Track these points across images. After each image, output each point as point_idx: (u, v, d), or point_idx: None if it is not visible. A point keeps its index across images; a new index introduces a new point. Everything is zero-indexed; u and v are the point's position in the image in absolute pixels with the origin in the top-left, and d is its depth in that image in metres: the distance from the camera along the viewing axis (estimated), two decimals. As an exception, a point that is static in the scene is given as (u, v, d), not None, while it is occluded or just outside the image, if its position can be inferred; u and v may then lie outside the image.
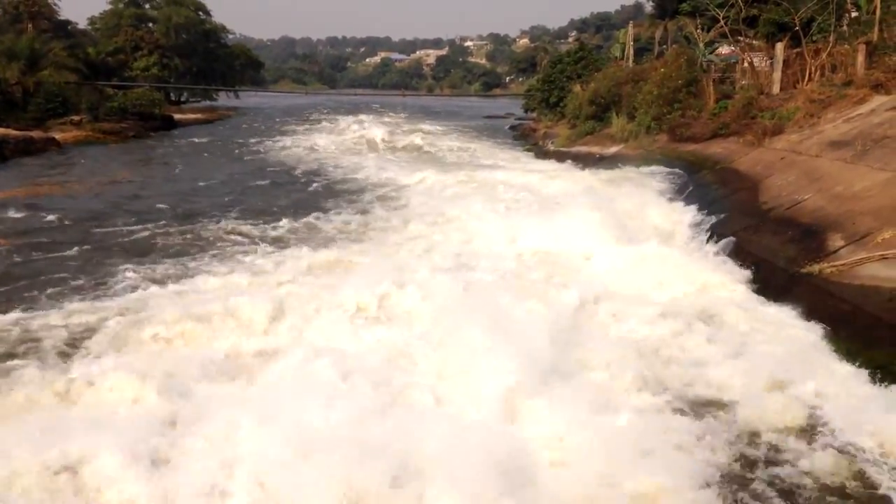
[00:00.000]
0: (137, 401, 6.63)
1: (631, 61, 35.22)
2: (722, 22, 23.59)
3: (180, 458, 5.57)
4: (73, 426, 5.87)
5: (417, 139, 35.36)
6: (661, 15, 36.97)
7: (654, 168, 19.31)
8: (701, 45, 24.93)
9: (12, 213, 15.80)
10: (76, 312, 9.04)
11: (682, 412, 6.86)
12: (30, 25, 47.75)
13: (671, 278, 10.58)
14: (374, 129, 38.96)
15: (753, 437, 6.47)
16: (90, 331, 8.46)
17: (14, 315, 8.92)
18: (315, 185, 21.83)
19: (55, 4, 52.23)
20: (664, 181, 17.87)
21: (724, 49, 28.48)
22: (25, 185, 20.46)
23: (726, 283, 10.47)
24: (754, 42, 24.49)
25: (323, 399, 6.31)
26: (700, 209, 14.26)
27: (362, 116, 51.14)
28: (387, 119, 48.48)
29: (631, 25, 38.52)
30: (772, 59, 21.76)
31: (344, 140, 35.98)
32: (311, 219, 15.77)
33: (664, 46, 35.29)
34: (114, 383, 6.82)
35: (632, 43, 36.50)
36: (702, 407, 7.03)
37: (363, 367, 7.20)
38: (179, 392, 6.71)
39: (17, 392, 6.75)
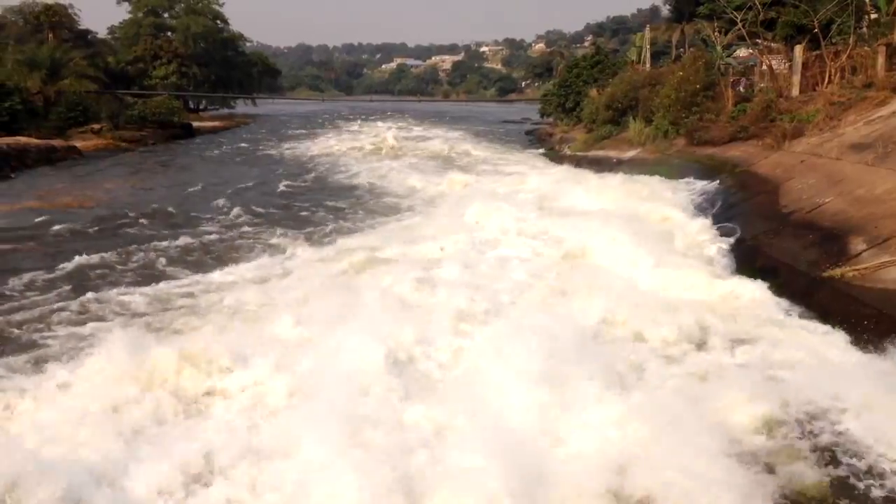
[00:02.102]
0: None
1: (648, 65, 35.14)
2: (740, 24, 23.48)
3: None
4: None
5: (434, 144, 35.44)
6: (677, 18, 36.85)
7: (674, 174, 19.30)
8: (718, 48, 24.83)
9: (41, 220, 16.08)
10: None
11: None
12: (51, 35, 48.37)
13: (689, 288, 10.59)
14: (391, 134, 39.09)
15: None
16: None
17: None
18: (338, 190, 22.05)
19: (76, 14, 52.94)
20: (682, 186, 17.84)
21: (742, 52, 28.34)
22: (50, 193, 20.73)
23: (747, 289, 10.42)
24: (773, 44, 24.35)
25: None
26: (718, 212, 14.21)
27: (379, 122, 51.37)
28: (403, 125, 48.63)
29: (647, 29, 38.44)
30: (790, 61, 21.63)
31: (361, 145, 36.11)
32: (347, 224, 16.13)
33: (681, 50, 35.19)
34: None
35: (648, 46, 36.43)
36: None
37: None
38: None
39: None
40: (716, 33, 25.90)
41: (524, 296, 10.15)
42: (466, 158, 30.91)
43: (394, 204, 19.11)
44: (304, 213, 17.87)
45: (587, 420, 6.32)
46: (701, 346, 8.53)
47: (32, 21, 50.96)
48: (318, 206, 18.64)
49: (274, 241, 14.29)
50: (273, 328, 8.40)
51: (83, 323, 9.03)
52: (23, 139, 28.73)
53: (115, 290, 10.39)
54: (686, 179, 18.27)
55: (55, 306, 9.69)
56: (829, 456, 5.98)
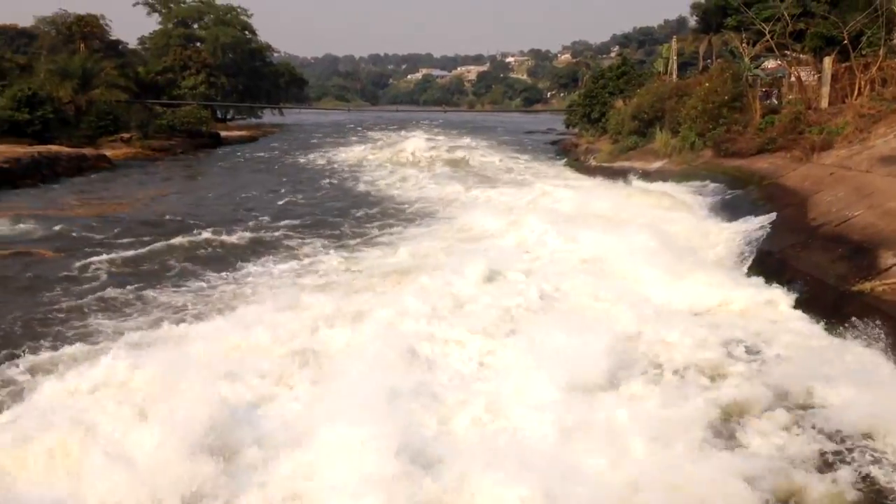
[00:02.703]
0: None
1: (674, 76, 34.97)
2: (768, 36, 23.30)
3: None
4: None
5: (459, 154, 35.49)
6: (705, 29, 36.65)
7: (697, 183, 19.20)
8: (746, 59, 24.63)
9: (79, 227, 16.39)
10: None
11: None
12: (82, 45, 49.10)
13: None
14: (417, 144, 39.20)
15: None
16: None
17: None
18: (364, 200, 22.18)
19: (107, 25, 53.64)
20: (707, 196, 17.74)
21: (771, 63, 28.10)
22: (83, 202, 21.04)
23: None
24: (801, 56, 24.13)
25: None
26: (745, 225, 14.09)
27: (404, 132, 51.55)
28: (428, 134, 48.74)
29: (674, 40, 38.27)
30: (819, 73, 21.42)
31: (385, 155, 36.24)
32: (373, 230, 16.38)
33: (708, 61, 34.97)
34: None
35: (675, 57, 36.26)
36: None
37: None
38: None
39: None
40: (743, 45, 25.71)
41: (545, 309, 10.18)
42: (490, 169, 30.93)
43: (408, 211, 19.28)
44: (333, 221, 18.12)
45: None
46: (721, 361, 8.49)
47: (65, 31, 51.76)
48: (347, 216, 18.81)
49: (301, 245, 14.47)
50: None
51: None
52: (54, 148, 29.19)
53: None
54: (712, 191, 18.20)
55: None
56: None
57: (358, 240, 15.60)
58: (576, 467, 5.85)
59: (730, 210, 15.87)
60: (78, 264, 12.94)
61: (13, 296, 11.10)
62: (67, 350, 8.48)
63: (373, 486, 5.33)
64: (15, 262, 13.19)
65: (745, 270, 11.95)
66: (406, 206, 20.55)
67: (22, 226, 16.61)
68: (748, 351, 8.72)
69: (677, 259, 12.04)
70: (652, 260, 11.84)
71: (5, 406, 7.01)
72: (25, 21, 71.57)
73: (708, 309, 10.42)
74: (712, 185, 18.78)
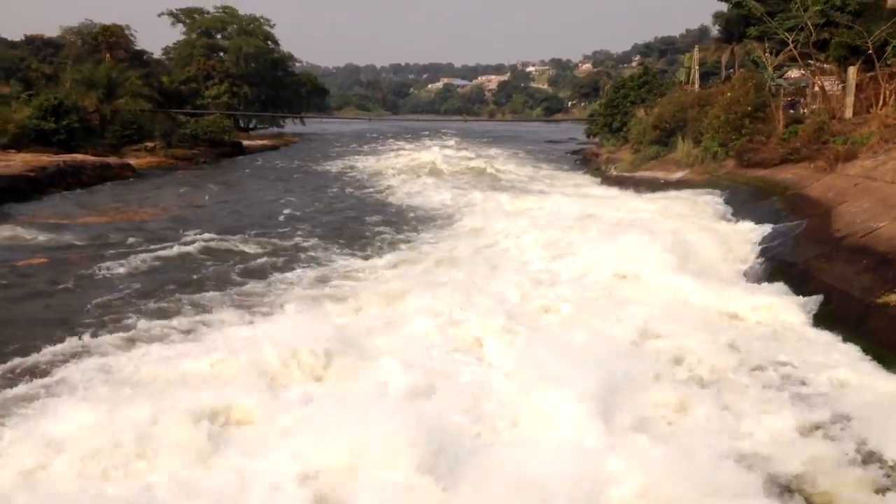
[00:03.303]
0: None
1: (696, 85, 34.82)
2: (791, 45, 23.15)
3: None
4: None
5: (480, 163, 35.53)
6: (727, 39, 36.47)
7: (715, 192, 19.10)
8: (769, 69, 24.48)
9: (109, 234, 16.65)
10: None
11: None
12: (108, 55, 49.72)
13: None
14: (438, 153, 39.29)
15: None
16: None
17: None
18: (386, 208, 22.32)
19: (132, 35, 54.30)
20: (729, 206, 17.65)
21: (794, 73, 27.90)
22: (107, 209, 21.29)
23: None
24: (825, 66, 23.93)
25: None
26: (768, 236, 13.98)
27: (425, 141, 51.71)
28: (449, 143, 48.84)
29: (696, 49, 38.14)
30: (844, 83, 21.23)
31: (405, 164, 36.32)
32: (401, 236, 16.48)
33: (731, 70, 34.80)
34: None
35: (697, 67, 36.11)
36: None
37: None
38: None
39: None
40: (766, 54, 25.55)
41: (566, 313, 10.18)
42: (510, 177, 30.91)
43: (429, 219, 19.34)
44: (355, 228, 18.31)
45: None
46: (737, 370, 8.41)
47: (90, 41, 52.44)
48: (369, 223, 18.93)
49: (326, 251, 14.57)
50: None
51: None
52: (79, 156, 29.55)
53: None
54: (734, 201, 18.08)
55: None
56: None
57: (378, 245, 15.67)
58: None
59: (752, 220, 15.74)
60: (104, 272, 13.12)
61: (40, 301, 11.25)
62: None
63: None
64: (40, 269, 13.37)
65: (767, 280, 11.83)
66: (430, 213, 20.62)
67: (47, 233, 16.82)
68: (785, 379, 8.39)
69: (698, 269, 11.98)
70: (672, 269, 11.78)
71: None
72: (52, 31, 72.62)
73: (729, 317, 10.37)
74: (734, 196, 18.67)
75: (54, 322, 10.18)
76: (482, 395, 7.42)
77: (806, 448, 6.57)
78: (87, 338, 9.19)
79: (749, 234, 14.63)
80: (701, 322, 9.95)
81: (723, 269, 12.77)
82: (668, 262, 12.21)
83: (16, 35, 73.67)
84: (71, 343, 9.01)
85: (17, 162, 25.29)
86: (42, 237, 16.42)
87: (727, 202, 18.33)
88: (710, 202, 18.60)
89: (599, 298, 11.01)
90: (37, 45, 69.81)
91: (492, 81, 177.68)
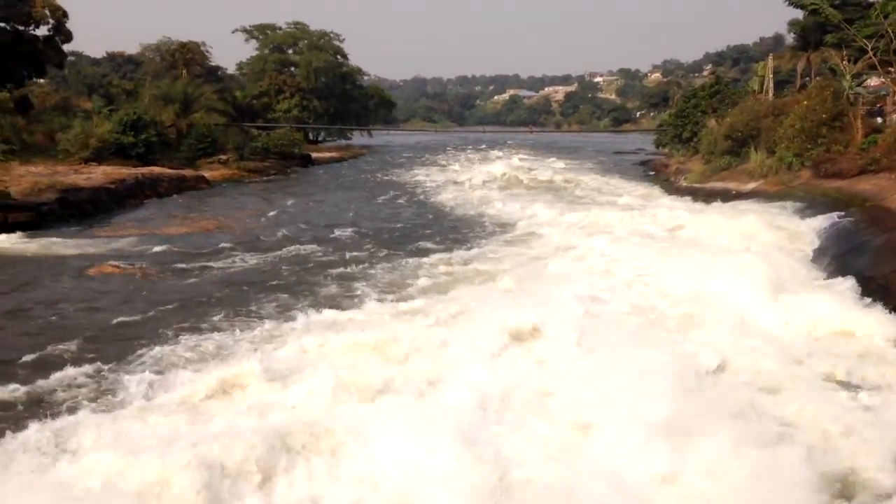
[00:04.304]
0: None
1: (770, 94, 33.96)
2: (870, 53, 22.40)
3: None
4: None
5: (547, 175, 35.35)
6: (803, 46, 35.46)
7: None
8: (847, 77, 23.72)
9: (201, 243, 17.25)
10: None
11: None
12: (184, 71, 51.40)
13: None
14: (504, 164, 39.26)
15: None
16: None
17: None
18: (455, 218, 22.54)
19: (207, 52, 56.04)
20: (805, 218, 17.12)
21: (874, 81, 26.98)
22: (183, 220, 21.97)
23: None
24: (907, 73, 23.09)
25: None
26: (846, 249, 13.52)
27: (491, 152, 51.77)
28: (515, 155, 48.76)
29: (771, 58, 37.19)
30: (927, 90, 20.43)
31: (471, 175, 36.36)
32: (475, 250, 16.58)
33: (807, 79, 33.85)
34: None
35: (771, 76, 35.22)
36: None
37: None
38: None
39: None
40: (844, 62, 24.78)
41: (642, 331, 9.99)
42: (578, 189, 30.64)
43: (500, 233, 19.30)
44: (428, 236, 18.59)
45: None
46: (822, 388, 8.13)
47: (168, 58, 54.31)
48: (442, 235, 19.09)
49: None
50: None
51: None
52: (156, 169, 30.56)
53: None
54: (810, 212, 17.54)
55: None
56: None
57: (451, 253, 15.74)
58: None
59: (828, 232, 15.26)
60: (187, 279, 13.63)
61: (120, 308, 11.65)
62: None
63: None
64: (116, 277, 13.86)
65: (844, 293, 11.42)
66: (499, 224, 20.63)
67: (126, 243, 17.46)
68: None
69: (777, 281, 11.61)
70: (752, 283, 11.42)
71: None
72: (132, 48, 75.35)
73: (808, 333, 10.06)
74: (810, 207, 18.10)
75: (129, 326, 10.57)
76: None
77: None
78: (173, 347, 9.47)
79: (823, 246, 14.19)
80: (770, 334, 9.71)
81: (797, 281, 12.37)
82: (746, 277, 11.80)
83: (98, 52, 76.74)
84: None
85: (98, 174, 26.28)
86: (121, 247, 17.05)
87: (802, 214, 17.79)
88: (785, 213, 18.09)
89: (672, 316, 10.77)
90: (118, 62, 72.74)
91: (558, 92, 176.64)
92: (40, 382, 8.32)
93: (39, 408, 7.65)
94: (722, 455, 6.21)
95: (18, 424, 6.97)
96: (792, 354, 9.14)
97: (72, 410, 7.45)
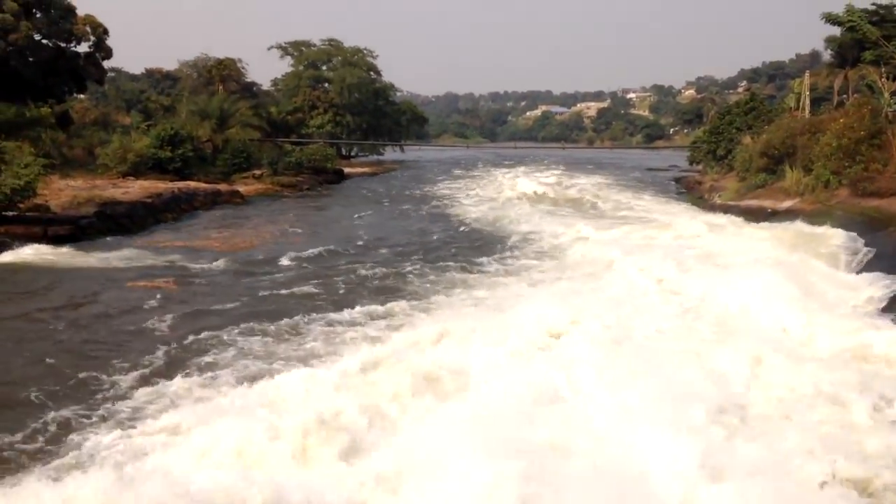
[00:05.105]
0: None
1: (807, 112, 33.57)
2: (910, 69, 22.09)
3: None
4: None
5: (577, 192, 35.24)
6: (840, 63, 35.03)
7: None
8: (886, 94, 23.39)
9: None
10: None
11: None
12: (221, 87, 52.12)
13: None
14: (536, 180, 39.22)
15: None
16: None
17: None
18: (487, 234, 22.55)
19: (243, 68, 56.81)
20: (843, 238, 16.86)
21: (914, 98, 26.53)
22: (219, 234, 22.26)
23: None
24: (948, 91, 22.71)
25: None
26: (887, 268, 13.29)
27: (522, 168, 51.72)
28: (547, 171, 48.70)
29: (807, 75, 36.78)
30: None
31: (503, 193, 36.38)
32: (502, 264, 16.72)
33: (844, 96, 33.41)
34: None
35: (808, 93, 34.83)
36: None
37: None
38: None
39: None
40: (883, 79, 24.44)
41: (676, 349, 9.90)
42: (610, 206, 30.50)
43: (532, 249, 19.30)
44: (463, 252, 18.74)
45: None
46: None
47: (205, 74, 55.15)
48: (478, 253, 19.10)
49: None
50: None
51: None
52: (192, 184, 30.99)
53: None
54: (848, 232, 17.27)
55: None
56: None
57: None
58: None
59: (867, 252, 15.02)
60: (226, 292, 13.91)
61: (161, 322, 11.83)
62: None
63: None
64: (161, 291, 14.07)
65: (883, 313, 11.23)
66: (531, 240, 20.64)
67: (163, 257, 17.75)
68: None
69: (813, 300, 11.45)
70: (788, 302, 11.28)
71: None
72: (170, 65, 76.68)
73: (846, 352, 9.88)
74: (848, 226, 17.82)
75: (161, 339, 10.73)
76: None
77: None
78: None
79: (863, 265, 13.96)
80: (807, 352, 9.57)
81: (836, 300, 12.19)
82: (784, 295, 11.66)
83: (138, 69, 78.18)
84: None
85: (136, 189, 26.72)
86: (158, 260, 17.32)
87: (839, 232, 17.52)
88: (823, 231, 17.86)
89: (709, 332, 10.66)
90: (156, 77, 73.99)
91: (591, 108, 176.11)
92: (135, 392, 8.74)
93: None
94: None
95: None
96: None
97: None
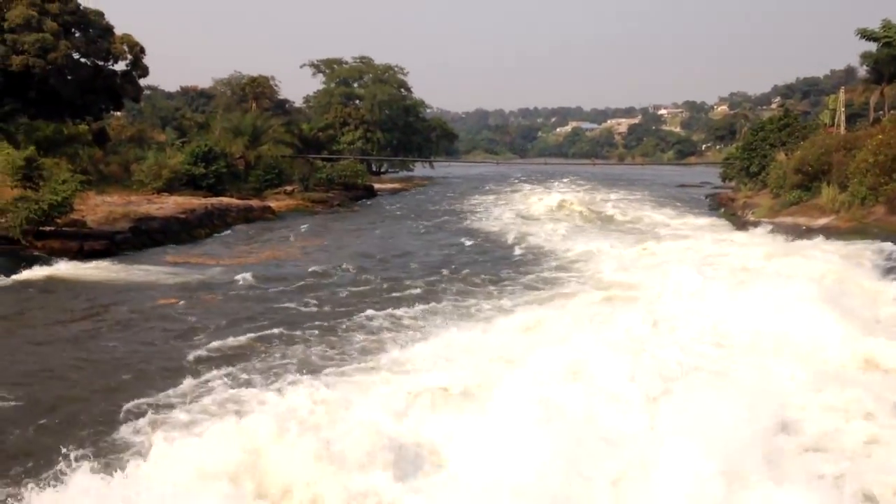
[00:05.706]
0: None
1: (842, 128, 33.13)
2: (949, 85, 21.72)
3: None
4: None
5: (610, 208, 35.11)
6: (876, 79, 34.56)
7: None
8: (924, 109, 23.01)
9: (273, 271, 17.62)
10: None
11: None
12: (254, 104, 52.85)
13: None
14: (566, 197, 39.10)
15: None
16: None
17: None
18: (515, 250, 22.60)
19: (276, 85, 57.55)
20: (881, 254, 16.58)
21: (953, 114, 26.08)
22: (252, 249, 22.48)
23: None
24: None
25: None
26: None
27: (552, 184, 51.63)
28: (577, 187, 48.58)
29: (842, 91, 36.34)
30: None
31: (532, 209, 36.33)
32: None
33: (880, 112, 32.92)
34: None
35: (843, 109, 34.39)
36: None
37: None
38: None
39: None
40: (921, 94, 24.05)
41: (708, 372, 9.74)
42: (641, 223, 30.31)
43: (557, 266, 19.20)
44: (495, 269, 18.72)
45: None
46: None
47: (239, 92, 56.01)
48: (510, 267, 19.19)
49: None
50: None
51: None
52: (225, 199, 31.37)
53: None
54: (887, 250, 16.98)
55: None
56: None
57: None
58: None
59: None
60: (259, 307, 14.03)
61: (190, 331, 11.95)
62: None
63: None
64: (196, 306, 14.23)
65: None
66: (560, 258, 20.54)
67: (196, 272, 17.96)
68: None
69: (848, 320, 11.21)
70: (825, 323, 11.03)
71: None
72: (205, 82, 77.94)
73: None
74: (886, 244, 17.51)
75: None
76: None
77: None
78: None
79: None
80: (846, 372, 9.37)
81: (872, 321, 11.92)
82: (821, 316, 11.38)
83: (173, 86, 79.59)
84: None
85: (170, 204, 27.10)
86: (192, 275, 17.51)
87: (878, 250, 17.23)
88: (860, 250, 17.55)
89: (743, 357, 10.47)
90: (191, 95, 75.27)
91: (621, 124, 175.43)
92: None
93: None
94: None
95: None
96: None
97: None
